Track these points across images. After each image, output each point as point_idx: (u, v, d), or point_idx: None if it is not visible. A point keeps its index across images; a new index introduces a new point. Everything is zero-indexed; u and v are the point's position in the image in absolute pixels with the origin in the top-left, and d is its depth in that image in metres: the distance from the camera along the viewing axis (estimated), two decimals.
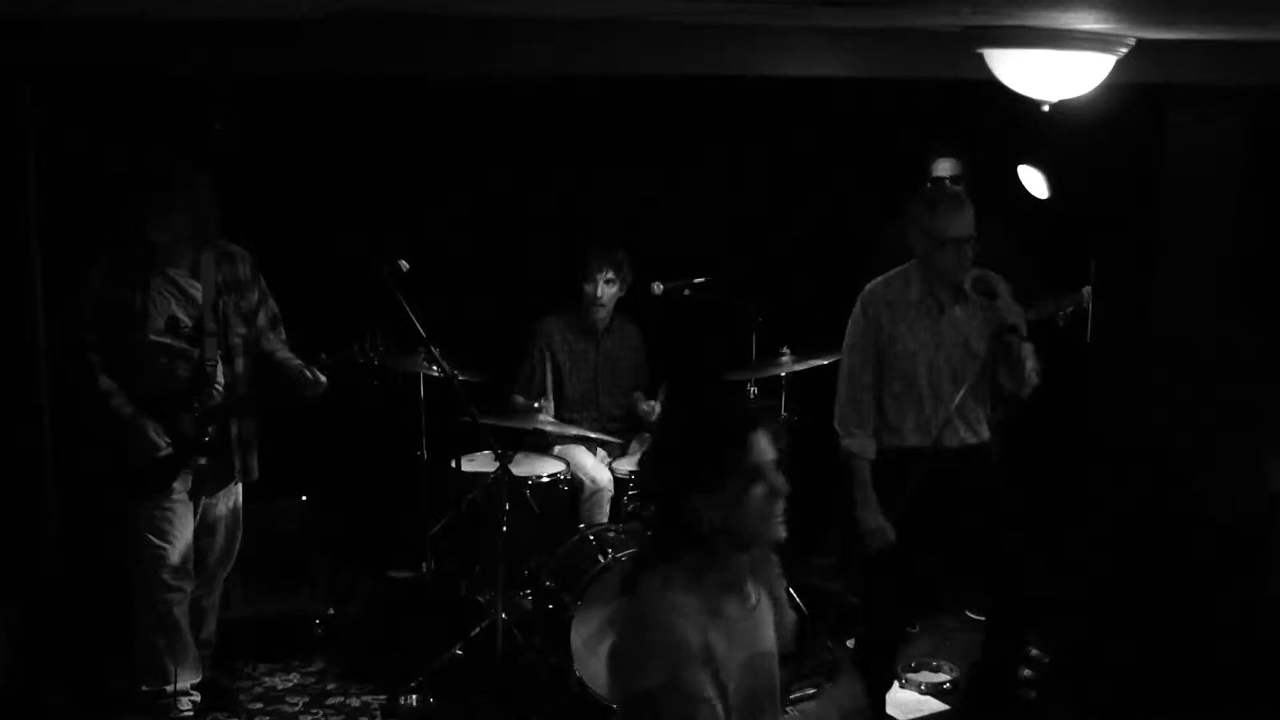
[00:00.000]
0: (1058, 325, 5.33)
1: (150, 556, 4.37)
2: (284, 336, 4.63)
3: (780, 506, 2.50)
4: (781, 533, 2.52)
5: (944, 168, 5.33)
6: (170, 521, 4.38)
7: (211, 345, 4.36)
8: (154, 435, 4.29)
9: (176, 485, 4.38)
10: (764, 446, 2.49)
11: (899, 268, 4.32)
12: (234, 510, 4.62)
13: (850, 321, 4.27)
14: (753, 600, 2.57)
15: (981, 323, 4.20)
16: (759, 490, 2.46)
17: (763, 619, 2.59)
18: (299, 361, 4.54)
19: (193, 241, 4.32)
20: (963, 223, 4.11)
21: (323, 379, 4.50)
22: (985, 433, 4.32)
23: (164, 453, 4.30)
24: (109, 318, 4.27)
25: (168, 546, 4.38)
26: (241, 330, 4.47)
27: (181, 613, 4.44)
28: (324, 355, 4.50)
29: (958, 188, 4.83)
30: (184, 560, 4.43)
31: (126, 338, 4.27)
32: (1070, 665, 4.84)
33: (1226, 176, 5.10)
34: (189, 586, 4.47)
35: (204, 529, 4.54)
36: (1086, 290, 5.32)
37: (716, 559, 2.48)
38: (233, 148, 5.33)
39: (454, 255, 5.66)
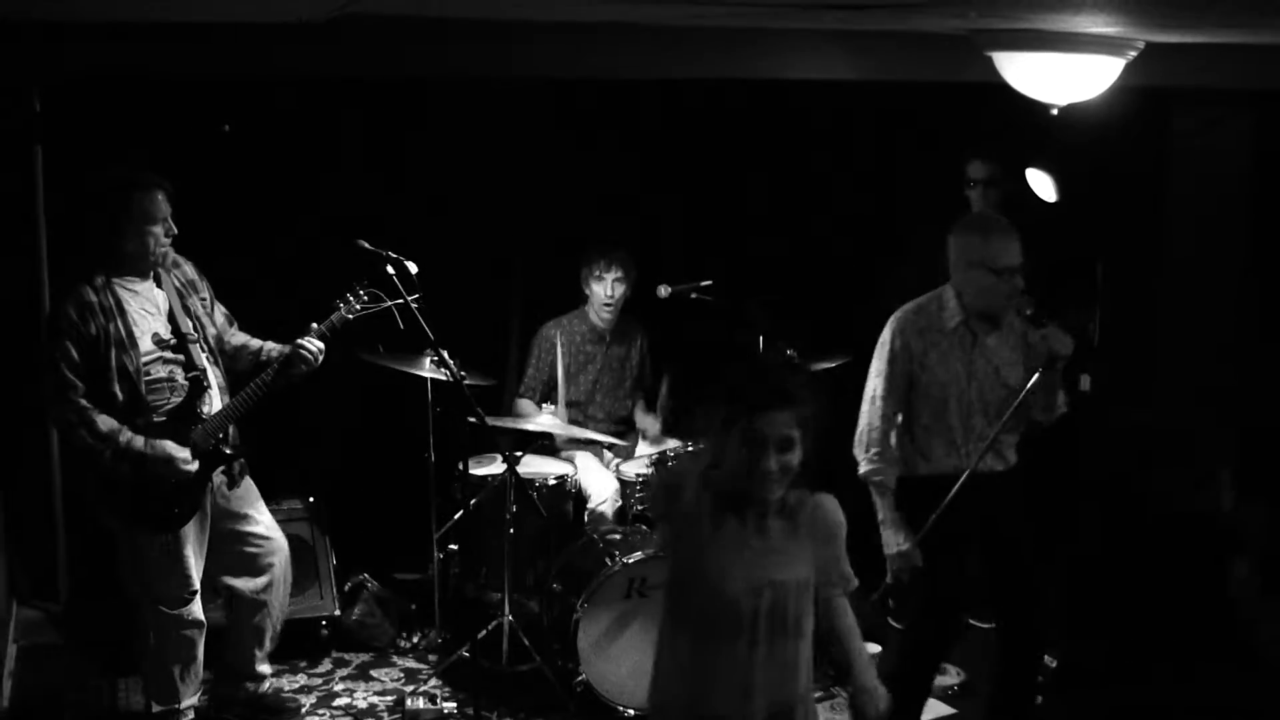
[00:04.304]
0: (1090, 337, 5.29)
1: (168, 593, 4.27)
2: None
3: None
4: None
5: (976, 170, 5.28)
6: (185, 553, 4.26)
7: (196, 350, 4.25)
8: (178, 452, 4.15)
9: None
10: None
11: (931, 293, 4.16)
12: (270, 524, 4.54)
13: (878, 346, 4.11)
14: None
15: (1011, 350, 4.10)
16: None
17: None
18: (277, 344, 4.42)
19: (156, 251, 4.17)
20: (1015, 251, 3.97)
21: (317, 346, 4.32)
22: (1013, 458, 4.22)
23: (192, 467, 4.18)
24: (95, 351, 4.07)
25: (186, 578, 4.28)
26: (213, 330, 4.39)
27: (200, 641, 4.38)
28: (315, 325, 4.35)
29: (1003, 217, 4.42)
30: (197, 588, 4.33)
31: (122, 363, 4.10)
32: (1075, 671, 4.83)
33: (1233, 180, 5.11)
34: (200, 610, 4.37)
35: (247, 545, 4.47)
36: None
37: None
38: (243, 151, 5.34)
39: (457, 257, 5.64)
